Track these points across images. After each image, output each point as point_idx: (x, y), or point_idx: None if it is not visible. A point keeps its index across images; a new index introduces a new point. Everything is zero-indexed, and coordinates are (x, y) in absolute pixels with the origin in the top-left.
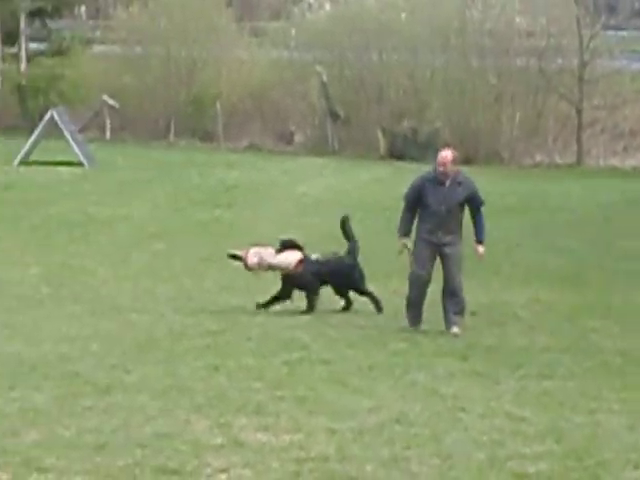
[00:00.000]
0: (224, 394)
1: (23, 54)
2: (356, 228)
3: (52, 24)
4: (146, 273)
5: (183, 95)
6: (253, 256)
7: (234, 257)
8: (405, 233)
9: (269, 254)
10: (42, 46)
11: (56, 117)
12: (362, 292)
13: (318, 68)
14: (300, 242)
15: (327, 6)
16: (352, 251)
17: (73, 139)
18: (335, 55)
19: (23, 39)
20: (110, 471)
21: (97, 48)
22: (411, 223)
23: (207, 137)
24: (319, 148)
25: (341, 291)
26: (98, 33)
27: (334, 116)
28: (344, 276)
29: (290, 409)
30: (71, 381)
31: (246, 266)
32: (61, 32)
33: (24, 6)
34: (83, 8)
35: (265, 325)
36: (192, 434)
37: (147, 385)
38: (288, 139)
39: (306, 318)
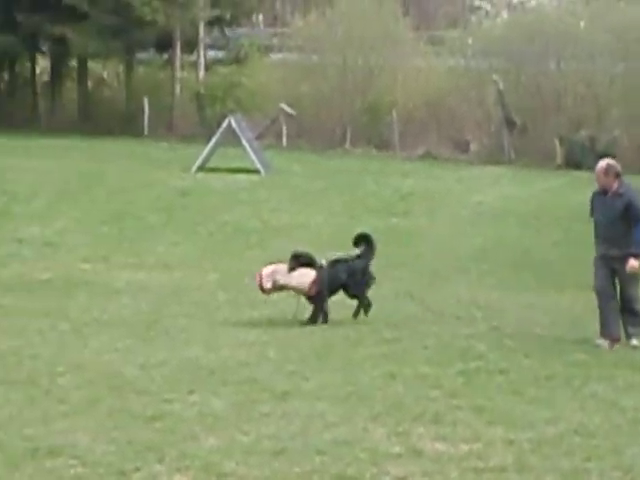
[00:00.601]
0: (401, 402)
1: (202, 62)
2: (532, 238)
3: (230, 32)
4: None
5: (359, 103)
6: (267, 281)
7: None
8: None
9: (282, 273)
10: (220, 54)
11: (234, 124)
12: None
13: (494, 76)
14: (311, 254)
15: (504, 14)
16: (365, 254)
17: (250, 146)
18: (512, 63)
19: (202, 47)
20: (288, 477)
21: (274, 56)
22: None
23: (383, 145)
24: (495, 157)
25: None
26: (275, 41)
27: (510, 124)
28: (355, 279)
29: (467, 418)
30: (249, 387)
31: (262, 291)
32: (239, 40)
33: (203, 14)
34: (261, 16)
35: (441, 334)
36: (370, 442)
37: (325, 392)
38: (464, 148)
39: (482, 328)
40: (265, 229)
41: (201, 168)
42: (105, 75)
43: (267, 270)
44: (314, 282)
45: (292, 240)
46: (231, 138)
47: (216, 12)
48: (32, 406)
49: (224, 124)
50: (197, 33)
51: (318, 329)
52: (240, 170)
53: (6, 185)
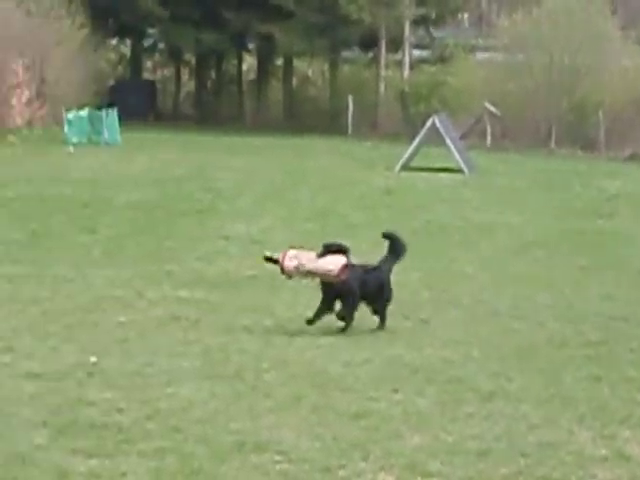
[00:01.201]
0: (607, 405)
1: (406, 61)
2: None
3: (435, 32)
4: (525, 280)
5: (565, 103)
6: (290, 260)
7: (269, 260)
8: None
9: (309, 258)
10: (425, 53)
11: (438, 124)
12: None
13: None
14: (347, 247)
15: None
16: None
17: (454, 146)
18: None
19: (407, 46)
20: (493, 479)
21: (479, 55)
22: None
23: (588, 146)
24: None
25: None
26: (480, 40)
27: None
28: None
29: None
30: (454, 386)
31: (282, 271)
32: (444, 40)
33: (409, 13)
34: (466, 15)
35: None
36: (576, 445)
37: (529, 393)
38: None
39: None
40: (468, 228)
41: (405, 167)
42: (310, 73)
43: (293, 252)
44: (345, 267)
45: (495, 240)
46: (435, 137)
47: (422, 11)
48: (238, 401)
49: (428, 123)
50: (402, 32)
51: (521, 330)
52: (444, 170)
53: (212, 183)
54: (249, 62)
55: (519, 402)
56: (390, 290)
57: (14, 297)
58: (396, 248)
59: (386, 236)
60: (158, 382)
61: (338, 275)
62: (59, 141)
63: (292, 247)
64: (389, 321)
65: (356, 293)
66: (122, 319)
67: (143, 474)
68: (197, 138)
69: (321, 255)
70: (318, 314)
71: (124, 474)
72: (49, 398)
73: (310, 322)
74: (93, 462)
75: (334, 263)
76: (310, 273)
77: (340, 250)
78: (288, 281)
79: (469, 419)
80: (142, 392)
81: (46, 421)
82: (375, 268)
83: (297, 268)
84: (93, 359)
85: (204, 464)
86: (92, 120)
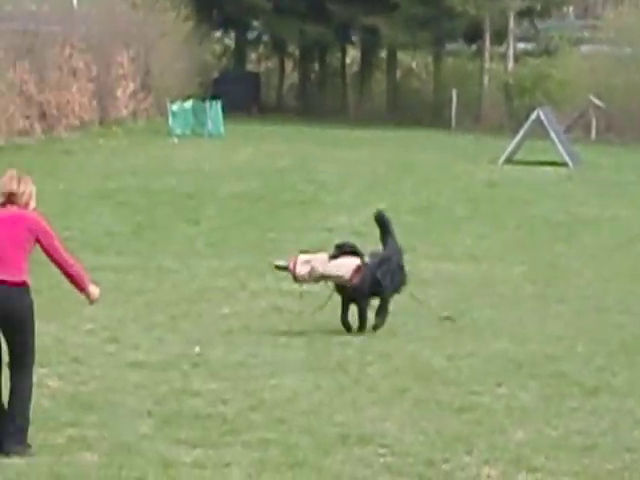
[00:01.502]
0: None
1: (511, 53)
2: None
3: (540, 24)
4: (631, 274)
5: None
6: (302, 266)
7: (280, 268)
8: None
9: (321, 262)
10: (529, 46)
11: (542, 116)
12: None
13: None
14: (356, 246)
15: None
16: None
17: (558, 139)
18: None
19: (511, 38)
20: (598, 474)
21: (584, 48)
22: None
23: None
24: None
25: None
26: (586, 33)
27: None
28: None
29: None
30: (558, 381)
31: (295, 278)
32: (549, 32)
33: (514, 5)
34: (571, 8)
35: None
36: None
37: (635, 388)
38: None
39: None
40: (573, 222)
41: (508, 160)
42: (414, 66)
43: (304, 256)
44: (357, 270)
45: (600, 234)
46: (539, 130)
47: (527, 3)
48: (342, 393)
49: (532, 116)
50: (507, 24)
51: (627, 324)
52: (548, 163)
53: (315, 174)
54: (353, 54)
55: (625, 397)
56: (405, 275)
57: (119, 288)
58: (386, 227)
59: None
60: (262, 373)
61: (350, 280)
62: (163, 133)
63: (302, 252)
64: (492, 314)
65: (366, 295)
66: (226, 310)
67: (247, 465)
68: (300, 130)
69: (333, 257)
70: (345, 315)
71: (228, 464)
72: (154, 388)
73: (344, 323)
74: (197, 452)
75: (346, 266)
76: (323, 277)
77: (353, 251)
78: None
79: (573, 414)
80: (246, 383)
81: (151, 411)
82: (385, 259)
83: (310, 273)
84: (197, 350)
85: (308, 456)
86: (196, 112)
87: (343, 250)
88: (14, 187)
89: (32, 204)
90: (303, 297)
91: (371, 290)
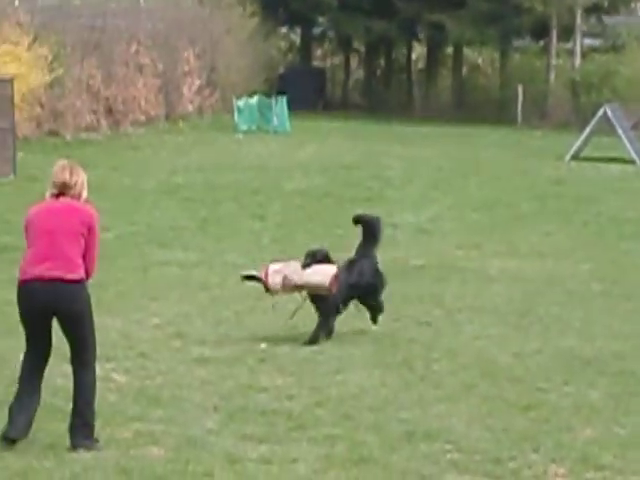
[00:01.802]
0: None
1: (577, 50)
2: None
3: (607, 20)
4: None
5: None
6: (274, 275)
7: (250, 278)
8: None
9: (294, 271)
10: (596, 42)
11: (609, 113)
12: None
13: None
14: (327, 251)
15: None
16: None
17: (626, 136)
18: None
19: (578, 35)
20: None
21: None
22: None
23: None
24: None
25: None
26: None
27: None
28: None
29: None
30: (626, 379)
31: (267, 289)
32: (616, 28)
33: (581, 1)
34: (639, 4)
35: None
36: None
37: None
38: None
39: None
40: None
41: (575, 157)
42: (480, 62)
43: (275, 266)
44: (336, 277)
45: None
46: (606, 127)
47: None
48: (408, 390)
49: (599, 113)
50: (574, 20)
51: None
52: (615, 160)
53: (381, 171)
54: (418, 51)
55: None
56: (383, 279)
57: (185, 283)
58: (371, 231)
59: (356, 221)
60: (328, 369)
61: (329, 288)
62: (229, 128)
63: (274, 261)
64: (558, 311)
65: (337, 305)
66: (291, 306)
67: (313, 461)
68: (366, 126)
69: (306, 266)
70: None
71: (294, 460)
72: (220, 383)
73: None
74: (263, 448)
75: (324, 274)
76: (298, 287)
77: (326, 259)
78: (456, 271)
79: None
80: (312, 379)
81: (217, 406)
82: (354, 261)
83: (283, 284)
84: (263, 345)
85: (374, 452)
86: (261, 108)
87: (316, 258)
88: (67, 177)
89: (84, 194)
90: (275, 308)
91: (347, 297)
